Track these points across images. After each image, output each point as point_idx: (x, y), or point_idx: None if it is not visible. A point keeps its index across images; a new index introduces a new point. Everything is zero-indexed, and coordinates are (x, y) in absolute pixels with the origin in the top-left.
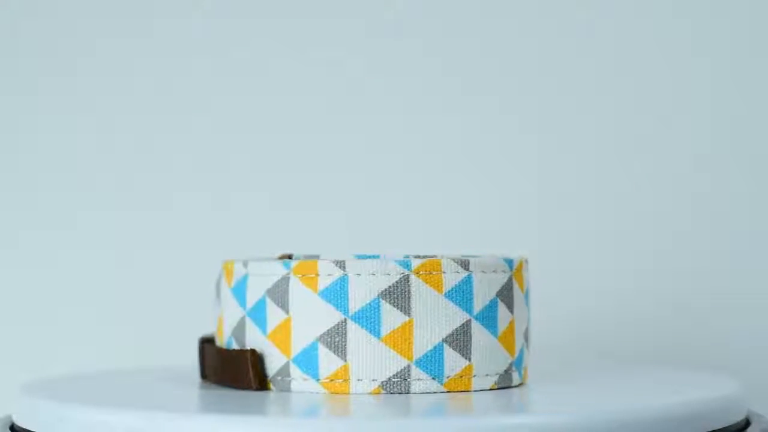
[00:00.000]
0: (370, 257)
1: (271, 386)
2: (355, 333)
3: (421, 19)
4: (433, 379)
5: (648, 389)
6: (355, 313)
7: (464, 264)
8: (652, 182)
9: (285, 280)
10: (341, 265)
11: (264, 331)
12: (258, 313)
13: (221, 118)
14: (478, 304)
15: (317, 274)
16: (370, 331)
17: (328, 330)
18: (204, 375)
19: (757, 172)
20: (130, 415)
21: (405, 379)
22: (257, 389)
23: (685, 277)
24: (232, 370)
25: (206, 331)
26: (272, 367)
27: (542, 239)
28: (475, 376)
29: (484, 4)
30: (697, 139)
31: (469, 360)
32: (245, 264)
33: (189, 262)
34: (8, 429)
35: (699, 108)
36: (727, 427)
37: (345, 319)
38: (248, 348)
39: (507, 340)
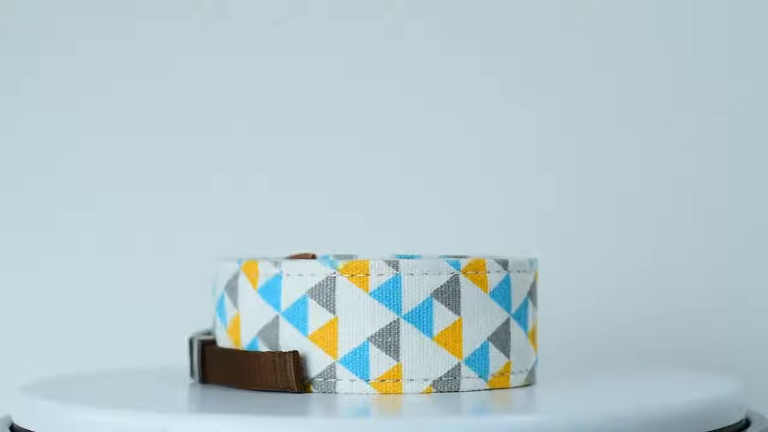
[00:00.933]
0: (411, 257)
1: (312, 388)
2: (409, 333)
3: (422, 19)
4: (480, 377)
5: (648, 389)
6: (408, 312)
7: (504, 264)
8: (652, 182)
9: (331, 279)
10: (394, 264)
11: (304, 332)
12: (296, 314)
13: (220, 117)
14: (515, 303)
15: (368, 274)
16: (423, 331)
17: (380, 330)
18: (204, 378)
19: (757, 172)
20: (131, 415)
21: (455, 378)
22: (298, 392)
23: (685, 277)
24: (264, 372)
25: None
26: (314, 368)
27: (541, 239)
28: (512, 373)
29: (485, 4)
30: (697, 139)
31: (509, 357)
32: (276, 263)
33: (189, 262)
34: (8, 429)
35: (699, 108)
36: (727, 427)
37: (398, 319)
38: (283, 350)
39: (533, 337)
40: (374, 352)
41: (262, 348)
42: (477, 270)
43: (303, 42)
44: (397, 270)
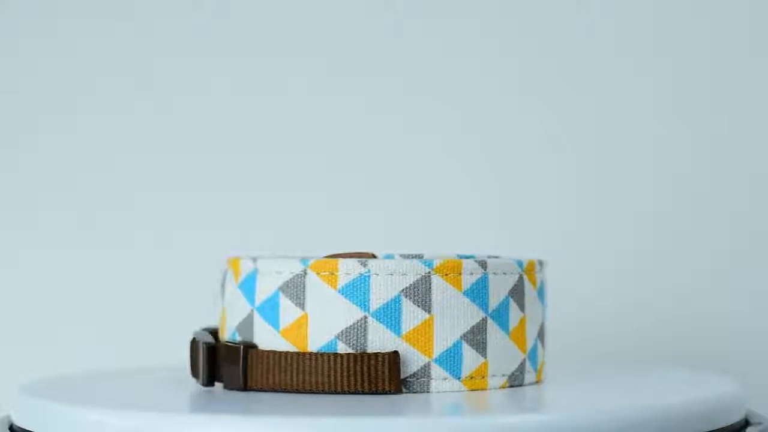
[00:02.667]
0: (468, 257)
1: (402, 388)
2: (493, 330)
3: (424, 18)
4: (533, 370)
5: (648, 389)
6: (493, 311)
7: (542, 265)
8: (652, 182)
9: (426, 279)
10: (483, 264)
11: (397, 331)
12: (388, 314)
13: (221, 117)
14: (546, 301)
15: (460, 273)
16: (502, 328)
17: (471, 328)
18: (246, 384)
19: (757, 172)
20: (131, 415)
21: (522, 373)
22: (392, 393)
23: (685, 277)
24: (353, 373)
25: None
26: (408, 368)
27: (541, 240)
28: (545, 366)
29: (485, 4)
30: (697, 139)
31: (545, 352)
32: (363, 263)
33: (190, 262)
34: (7, 429)
35: (699, 108)
36: (726, 426)
37: (485, 317)
38: (370, 350)
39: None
40: (467, 349)
41: (343, 349)
42: (530, 270)
43: (304, 41)
44: (485, 269)
